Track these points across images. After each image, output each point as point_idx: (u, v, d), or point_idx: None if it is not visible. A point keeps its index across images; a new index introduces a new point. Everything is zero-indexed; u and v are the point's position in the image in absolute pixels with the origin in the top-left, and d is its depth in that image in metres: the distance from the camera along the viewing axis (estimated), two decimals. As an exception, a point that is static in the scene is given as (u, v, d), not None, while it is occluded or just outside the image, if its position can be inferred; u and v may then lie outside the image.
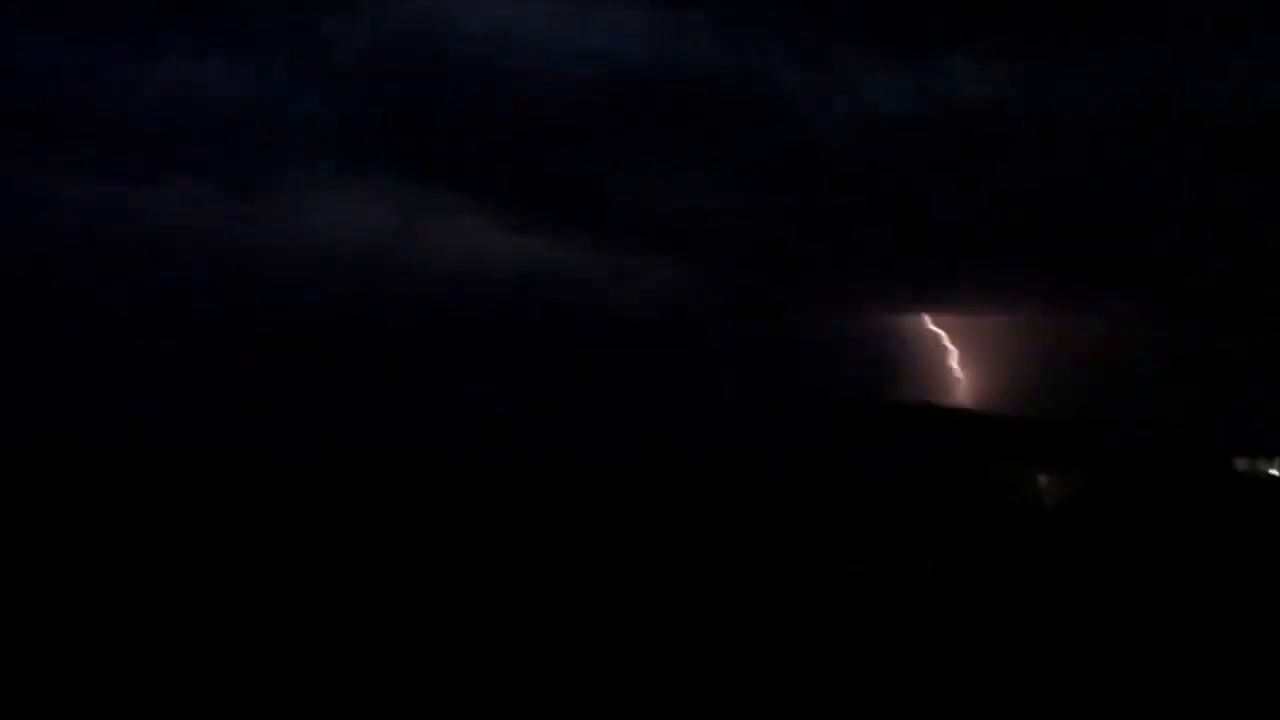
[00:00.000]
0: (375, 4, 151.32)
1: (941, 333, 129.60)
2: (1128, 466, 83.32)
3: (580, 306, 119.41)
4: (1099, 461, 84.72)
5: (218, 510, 50.54)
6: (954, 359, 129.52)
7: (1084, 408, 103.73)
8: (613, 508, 55.49)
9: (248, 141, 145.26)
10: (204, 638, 25.16)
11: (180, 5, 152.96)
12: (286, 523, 47.01)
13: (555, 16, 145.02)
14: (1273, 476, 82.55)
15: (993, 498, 74.72)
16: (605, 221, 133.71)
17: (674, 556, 38.81)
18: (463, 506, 55.44)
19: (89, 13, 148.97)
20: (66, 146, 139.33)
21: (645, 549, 41.02)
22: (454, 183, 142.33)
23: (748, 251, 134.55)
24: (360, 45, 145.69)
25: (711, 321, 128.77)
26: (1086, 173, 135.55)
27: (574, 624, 27.06)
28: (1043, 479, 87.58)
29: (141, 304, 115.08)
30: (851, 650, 24.61)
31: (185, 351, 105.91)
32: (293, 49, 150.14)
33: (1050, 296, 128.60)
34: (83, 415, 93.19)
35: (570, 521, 49.05)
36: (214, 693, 21.30)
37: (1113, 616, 30.46)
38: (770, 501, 59.80)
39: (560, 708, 20.62)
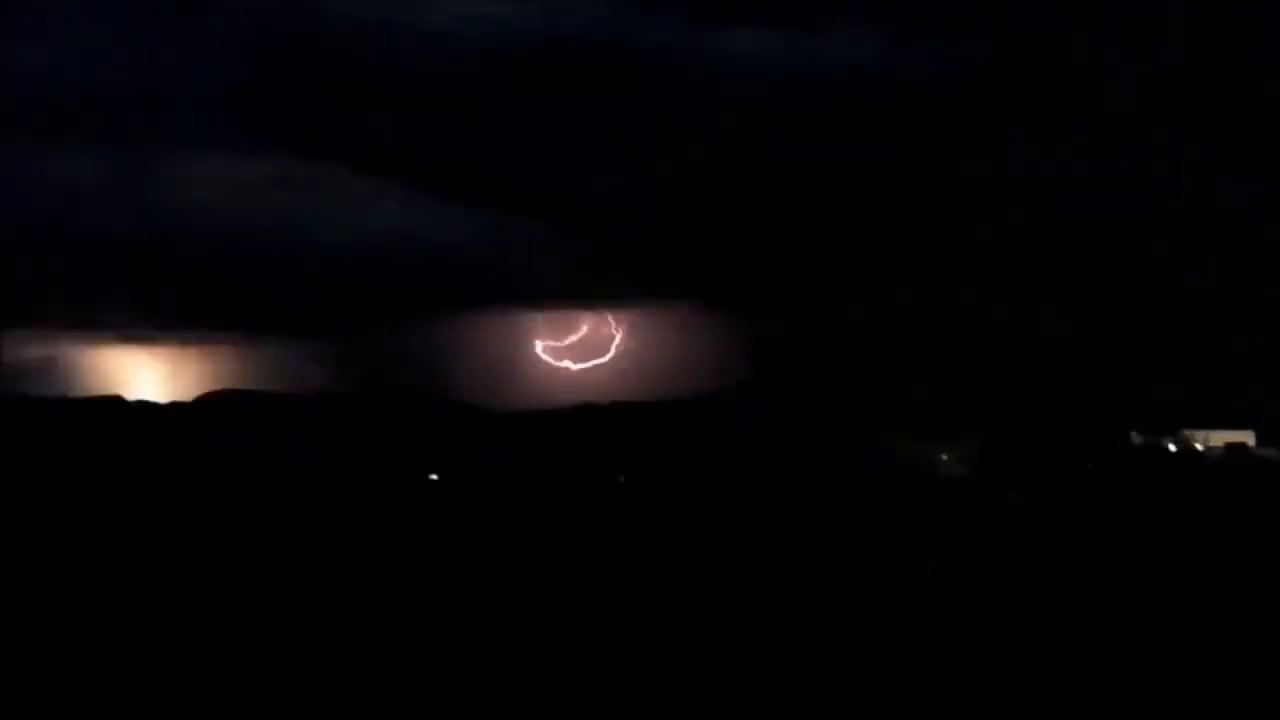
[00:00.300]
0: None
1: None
2: (1028, 439, 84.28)
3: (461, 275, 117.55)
4: (1001, 435, 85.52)
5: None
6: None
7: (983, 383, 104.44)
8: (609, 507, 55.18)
9: (131, 115, 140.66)
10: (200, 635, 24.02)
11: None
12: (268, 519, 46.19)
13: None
14: (1168, 450, 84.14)
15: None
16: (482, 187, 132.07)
17: (673, 555, 38.29)
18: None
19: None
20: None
21: (643, 548, 40.51)
22: (340, 152, 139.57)
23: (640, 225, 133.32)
24: (245, 13, 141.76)
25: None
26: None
27: (574, 623, 26.23)
28: (944, 455, 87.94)
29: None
30: (851, 650, 23.85)
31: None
32: (175, 20, 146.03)
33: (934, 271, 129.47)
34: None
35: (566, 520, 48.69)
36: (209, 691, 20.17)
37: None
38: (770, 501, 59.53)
39: (561, 707, 19.68)
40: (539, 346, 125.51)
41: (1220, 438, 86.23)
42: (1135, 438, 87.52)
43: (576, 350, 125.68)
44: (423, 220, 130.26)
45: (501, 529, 46.96)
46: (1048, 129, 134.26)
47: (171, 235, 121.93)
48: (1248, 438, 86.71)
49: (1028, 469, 79.00)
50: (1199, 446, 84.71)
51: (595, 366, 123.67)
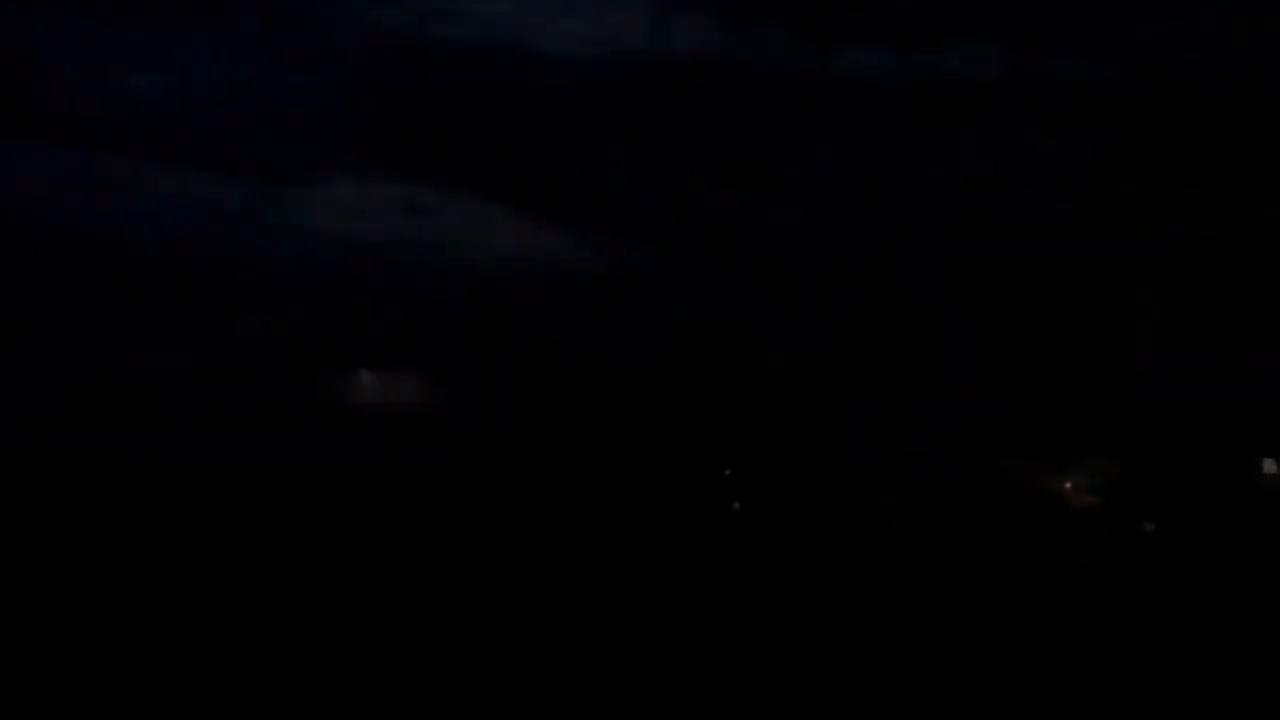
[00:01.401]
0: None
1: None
2: (1157, 465, 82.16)
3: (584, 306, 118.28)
4: (1130, 458, 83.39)
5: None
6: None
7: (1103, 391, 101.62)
8: (612, 507, 55.92)
9: (244, 136, 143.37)
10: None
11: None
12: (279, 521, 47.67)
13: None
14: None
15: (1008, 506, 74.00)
16: (608, 215, 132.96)
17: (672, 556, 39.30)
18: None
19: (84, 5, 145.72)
20: (64, 136, 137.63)
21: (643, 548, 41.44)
22: (463, 176, 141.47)
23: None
24: (354, 34, 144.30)
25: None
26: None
27: (569, 623, 27.03)
28: (1067, 482, 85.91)
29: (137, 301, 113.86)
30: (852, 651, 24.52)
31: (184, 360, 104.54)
32: (286, 38, 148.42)
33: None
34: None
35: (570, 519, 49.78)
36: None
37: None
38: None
39: (557, 709, 20.45)
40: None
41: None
42: (1269, 465, 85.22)
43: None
44: (545, 245, 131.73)
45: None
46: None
47: (299, 260, 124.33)
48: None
49: (1159, 497, 77.31)
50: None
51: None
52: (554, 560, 37.79)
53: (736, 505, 78.57)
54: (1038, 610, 34.51)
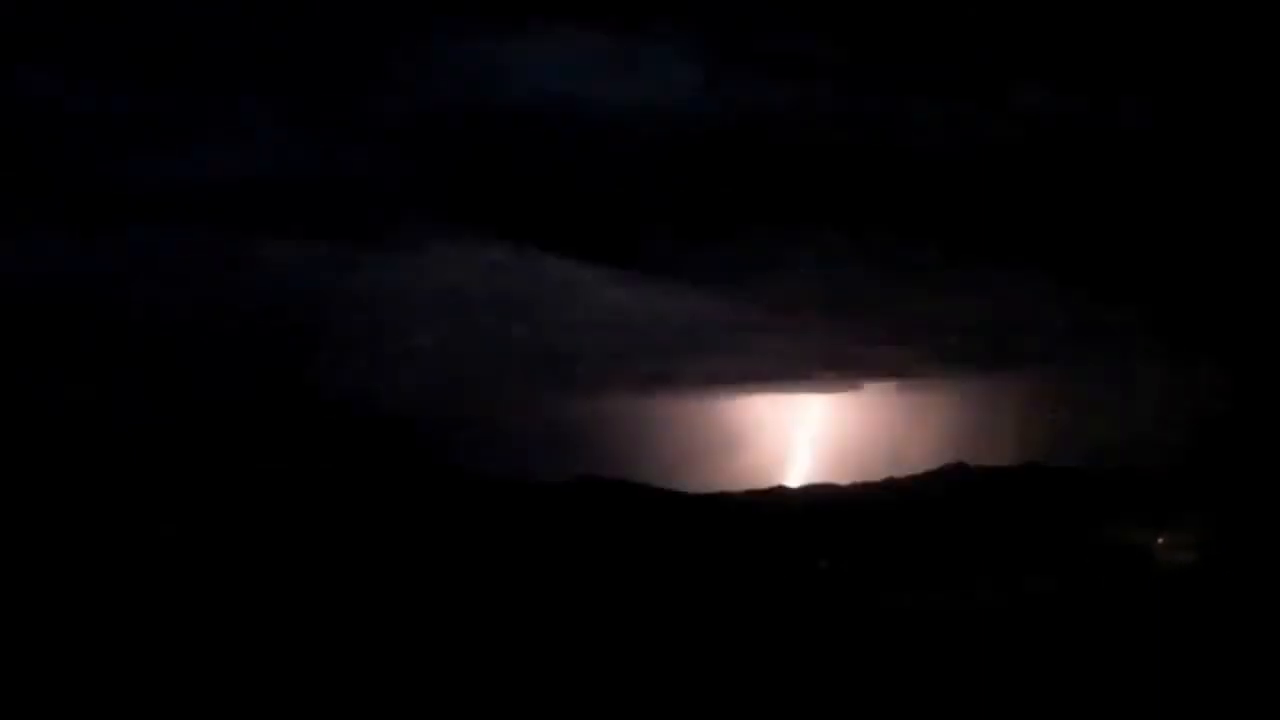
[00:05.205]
0: (430, 65, 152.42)
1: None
2: (1249, 525, 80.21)
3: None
4: (1221, 519, 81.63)
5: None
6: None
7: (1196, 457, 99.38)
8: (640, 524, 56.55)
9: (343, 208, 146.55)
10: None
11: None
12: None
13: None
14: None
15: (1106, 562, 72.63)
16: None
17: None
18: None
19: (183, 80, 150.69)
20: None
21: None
22: (540, 239, 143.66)
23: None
24: (413, 108, 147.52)
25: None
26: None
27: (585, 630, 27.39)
28: (1160, 539, 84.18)
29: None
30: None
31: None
32: (348, 116, 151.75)
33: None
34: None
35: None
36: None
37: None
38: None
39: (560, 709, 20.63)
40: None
41: None
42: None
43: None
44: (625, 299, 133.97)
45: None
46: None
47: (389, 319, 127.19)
48: None
49: (1258, 552, 74.96)
50: None
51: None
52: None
53: (824, 564, 78.15)
54: (1126, 668, 33.93)
